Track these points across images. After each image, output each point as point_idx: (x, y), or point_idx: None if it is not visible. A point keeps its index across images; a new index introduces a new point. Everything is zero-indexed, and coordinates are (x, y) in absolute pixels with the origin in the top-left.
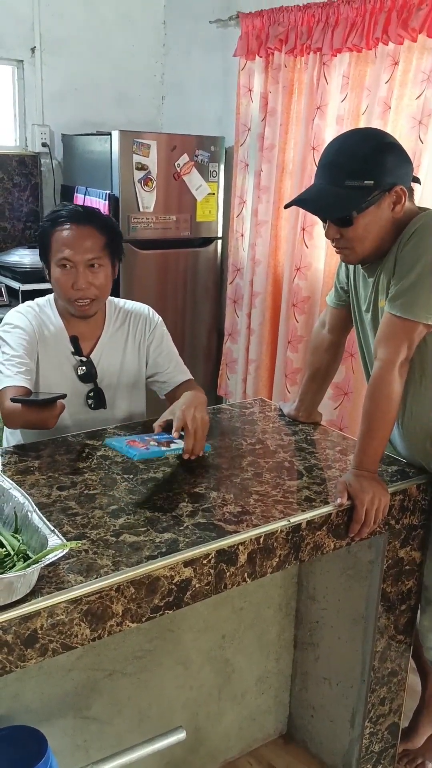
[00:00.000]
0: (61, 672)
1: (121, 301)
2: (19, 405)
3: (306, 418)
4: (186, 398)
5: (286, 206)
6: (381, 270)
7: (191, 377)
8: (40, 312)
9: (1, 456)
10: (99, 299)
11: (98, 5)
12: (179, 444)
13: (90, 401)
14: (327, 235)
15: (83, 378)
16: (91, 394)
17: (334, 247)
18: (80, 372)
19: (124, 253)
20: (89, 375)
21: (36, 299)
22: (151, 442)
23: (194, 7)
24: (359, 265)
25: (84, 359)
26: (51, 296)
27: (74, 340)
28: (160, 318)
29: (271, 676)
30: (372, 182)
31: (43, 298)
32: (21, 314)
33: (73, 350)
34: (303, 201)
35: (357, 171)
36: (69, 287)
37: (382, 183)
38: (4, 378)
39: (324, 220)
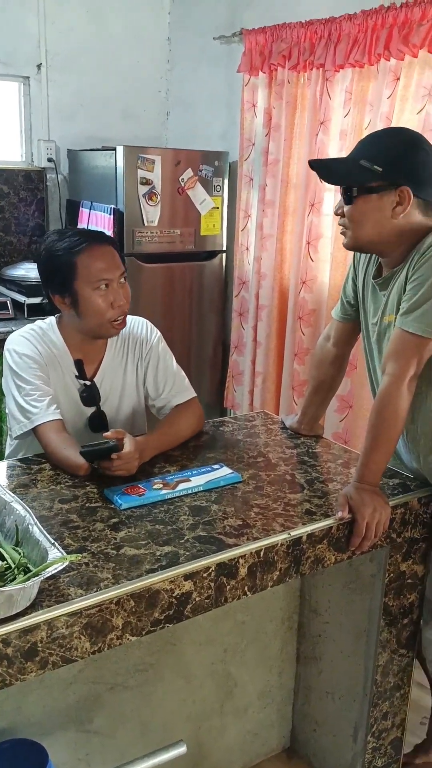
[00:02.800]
0: (63, 685)
1: None
2: (51, 441)
3: (308, 431)
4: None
5: (311, 163)
6: (393, 285)
7: (192, 395)
8: (43, 336)
9: (4, 469)
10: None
11: (104, 22)
12: (192, 483)
13: (92, 424)
14: (334, 209)
15: (86, 401)
16: (93, 416)
17: (339, 225)
18: (84, 395)
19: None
20: (92, 398)
21: (37, 322)
22: (155, 485)
23: (199, 24)
24: (370, 279)
25: (87, 383)
26: (53, 319)
27: (78, 364)
28: (158, 334)
29: (273, 690)
30: (380, 169)
31: (44, 321)
32: (26, 340)
33: (77, 374)
34: (321, 163)
35: (373, 155)
36: (108, 307)
37: (391, 176)
38: (37, 414)
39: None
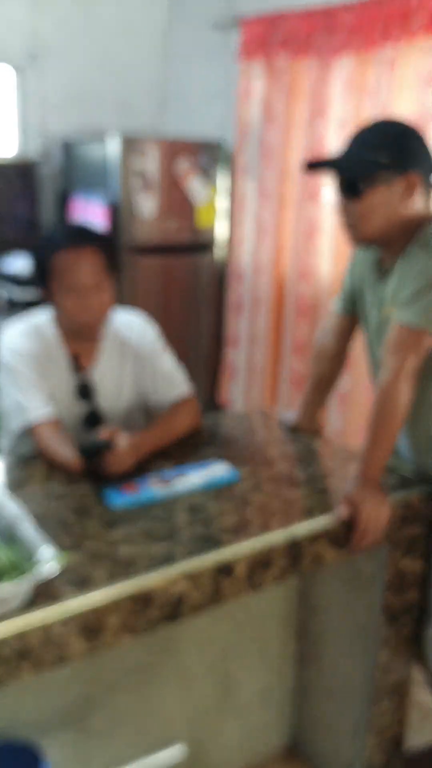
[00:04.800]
0: (60, 685)
1: (115, 314)
2: (45, 440)
3: (307, 427)
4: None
5: (306, 168)
6: (392, 277)
7: (189, 392)
8: (37, 331)
9: None
10: (105, 318)
11: (99, 12)
12: (189, 480)
13: (87, 419)
14: (336, 207)
15: (82, 396)
16: (89, 412)
17: (342, 224)
18: (79, 390)
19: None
20: (87, 393)
21: (32, 317)
22: (152, 483)
23: (195, 14)
24: (370, 273)
25: (83, 378)
26: (48, 314)
27: (74, 358)
28: (153, 330)
29: (273, 689)
30: (387, 159)
31: (39, 316)
32: (20, 336)
33: (72, 368)
34: (328, 162)
35: (377, 145)
36: (78, 311)
37: (398, 163)
38: (32, 411)
39: (339, 194)
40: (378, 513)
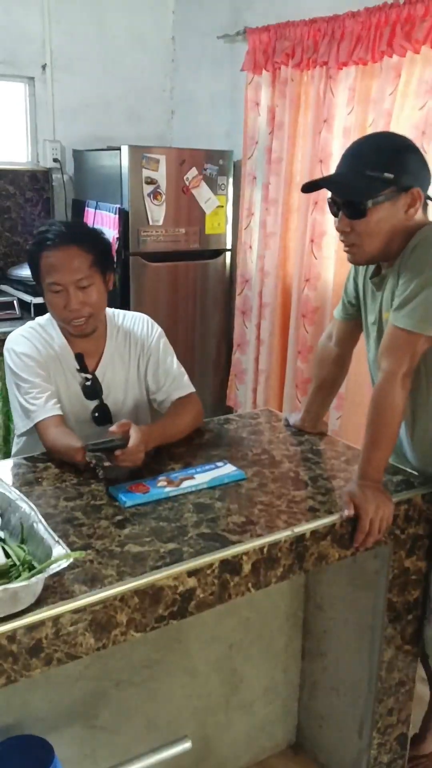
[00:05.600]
0: (69, 681)
1: (120, 314)
2: (50, 435)
3: (311, 428)
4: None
5: (304, 188)
6: (386, 283)
7: (192, 390)
8: (42, 332)
9: (10, 467)
10: (94, 316)
11: (108, 23)
12: (196, 481)
13: (95, 417)
14: (338, 227)
15: (88, 394)
16: (97, 410)
17: (343, 242)
18: (86, 388)
19: (117, 263)
20: (94, 391)
21: (36, 319)
22: (159, 483)
23: (202, 24)
24: (368, 279)
25: (89, 376)
26: (50, 315)
27: (79, 357)
28: (159, 330)
29: (278, 685)
30: (392, 176)
31: (44, 317)
32: (25, 338)
33: (78, 367)
34: (326, 181)
35: (379, 163)
36: (62, 309)
37: (401, 180)
38: (36, 411)
39: (335, 213)
40: (381, 512)
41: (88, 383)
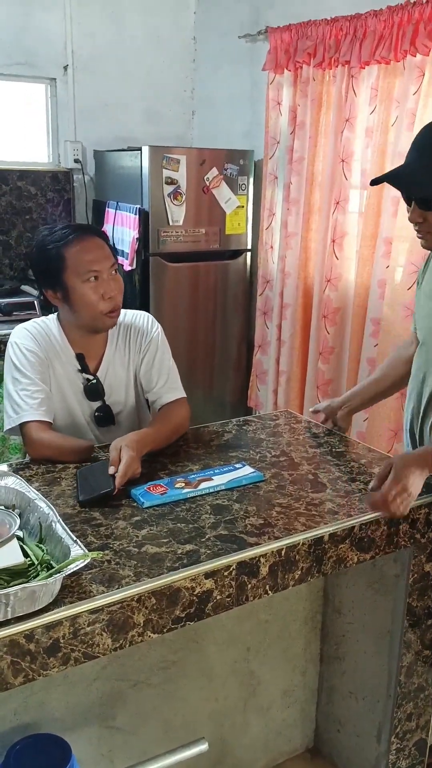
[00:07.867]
0: (87, 682)
1: (121, 312)
2: (44, 437)
3: (341, 419)
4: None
5: (373, 182)
6: None
7: (183, 395)
8: (46, 330)
9: (30, 467)
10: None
11: (129, 23)
12: (214, 482)
13: (97, 417)
14: (410, 219)
15: (90, 395)
16: (99, 411)
17: (416, 231)
18: (87, 389)
19: (138, 264)
20: (96, 392)
21: (41, 317)
22: (177, 484)
23: (223, 23)
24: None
25: (90, 377)
26: (53, 316)
27: (80, 358)
28: (159, 328)
29: (297, 689)
30: None
31: (48, 317)
32: (29, 333)
33: (79, 368)
34: (393, 176)
35: None
36: (100, 299)
37: None
38: (25, 411)
39: (409, 202)
40: (412, 482)
41: (90, 384)
